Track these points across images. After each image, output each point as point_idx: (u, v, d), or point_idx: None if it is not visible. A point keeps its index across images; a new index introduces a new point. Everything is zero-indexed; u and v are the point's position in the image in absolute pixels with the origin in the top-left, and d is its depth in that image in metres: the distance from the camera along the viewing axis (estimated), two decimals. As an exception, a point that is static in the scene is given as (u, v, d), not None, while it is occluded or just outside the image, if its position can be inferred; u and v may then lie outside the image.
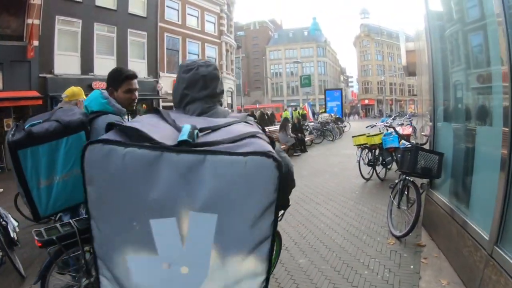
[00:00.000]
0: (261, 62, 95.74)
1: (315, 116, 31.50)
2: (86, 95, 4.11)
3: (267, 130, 2.30)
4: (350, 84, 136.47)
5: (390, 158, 10.84)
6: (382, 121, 40.19)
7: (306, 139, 19.40)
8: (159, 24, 29.86)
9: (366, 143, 10.98)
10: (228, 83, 40.62)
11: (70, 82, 18.82)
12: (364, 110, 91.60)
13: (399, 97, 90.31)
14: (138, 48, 28.08)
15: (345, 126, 30.69)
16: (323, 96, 39.46)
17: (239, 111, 35.33)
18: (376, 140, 10.75)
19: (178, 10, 32.72)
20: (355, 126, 35.76)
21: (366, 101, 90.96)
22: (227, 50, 40.05)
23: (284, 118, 18.53)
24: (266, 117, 36.68)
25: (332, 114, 29.01)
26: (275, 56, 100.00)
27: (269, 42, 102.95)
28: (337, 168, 13.50)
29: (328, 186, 10.51)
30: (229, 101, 41.57)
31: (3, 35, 19.53)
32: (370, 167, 10.95)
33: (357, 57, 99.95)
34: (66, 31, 22.78)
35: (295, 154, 17.46)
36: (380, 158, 10.92)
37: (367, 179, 10.86)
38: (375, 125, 13.83)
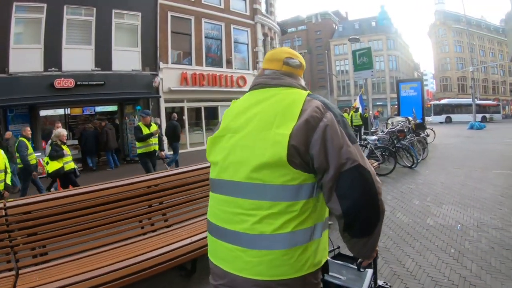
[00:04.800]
0: (325, 58, 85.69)
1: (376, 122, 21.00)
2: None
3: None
4: (424, 82, 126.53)
5: None
6: (471, 126, 31.35)
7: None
8: (160, 1, 23.55)
9: None
10: (271, 76, 32.40)
11: (26, 81, 17.96)
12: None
13: (482, 95, 76.91)
14: (128, 33, 22.53)
15: (427, 135, 19.84)
16: (395, 95, 28.56)
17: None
18: None
19: (188, -17, 25.68)
20: (441, 133, 25.50)
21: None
22: (265, 35, 32.01)
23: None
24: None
25: (410, 118, 17.61)
26: (340, 51, 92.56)
27: (332, 36, 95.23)
28: None
29: None
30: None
31: None
32: None
33: (432, 49, 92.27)
34: (26, 20, 18.97)
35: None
36: None
37: None
38: None
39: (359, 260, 2.17)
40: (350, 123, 21.10)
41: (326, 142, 1.83)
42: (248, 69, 29.50)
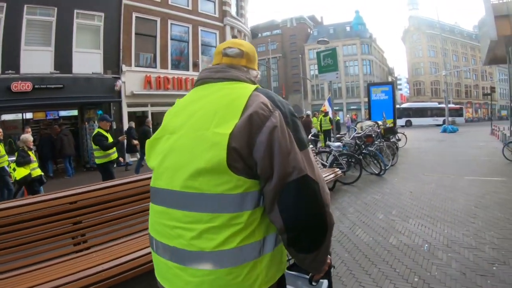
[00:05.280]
0: (300, 62, 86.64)
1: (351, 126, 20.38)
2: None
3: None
4: (399, 87, 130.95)
5: None
6: (444, 130, 31.42)
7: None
8: (125, 1, 22.33)
9: None
10: (240, 81, 30.86)
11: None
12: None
13: (455, 99, 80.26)
14: (90, 34, 21.39)
15: (399, 140, 19.90)
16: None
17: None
18: None
19: (155, -16, 24.82)
20: (413, 137, 25.21)
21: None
22: (235, 37, 31.00)
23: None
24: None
25: (380, 122, 17.29)
26: (315, 55, 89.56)
27: (307, 40, 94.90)
28: None
29: None
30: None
31: None
32: None
33: (406, 54, 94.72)
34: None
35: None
36: None
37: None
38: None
39: (311, 274, 1.95)
40: (319, 127, 20.35)
41: (273, 146, 1.59)
42: (216, 73, 28.08)
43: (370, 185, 10.72)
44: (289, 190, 1.57)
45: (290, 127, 1.66)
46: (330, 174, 9.58)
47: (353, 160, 12.11)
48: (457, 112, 57.00)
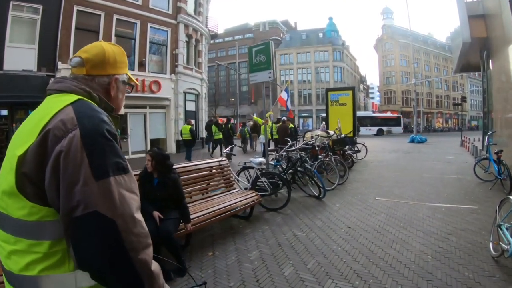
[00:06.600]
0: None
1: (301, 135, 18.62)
2: None
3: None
4: (371, 95, 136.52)
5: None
6: (412, 140, 30.55)
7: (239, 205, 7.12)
8: None
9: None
10: (193, 83, 31.10)
11: None
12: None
13: (426, 109, 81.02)
14: (26, 27, 19.96)
15: (358, 151, 18.24)
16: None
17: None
18: None
19: (100, -25, 23.24)
20: (374, 147, 23.79)
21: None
22: (190, 36, 29.91)
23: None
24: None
25: (331, 133, 15.06)
26: (286, 60, 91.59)
27: (279, 45, 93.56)
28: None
29: None
30: (192, 108, 31.12)
31: None
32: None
33: (378, 62, 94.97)
34: None
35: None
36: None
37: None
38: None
39: None
40: (270, 135, 18.31)
41: (57, 175, 1.39)
42: (165, 73, 26.94)
43: (300, 213, 8.49)
44: (76, 227, 1.36)
45: (88, 151, 1.38)
46: (246, 199, 7.53)
47: (280, 183, 9.71)
48: (394, 121, 57.34)
